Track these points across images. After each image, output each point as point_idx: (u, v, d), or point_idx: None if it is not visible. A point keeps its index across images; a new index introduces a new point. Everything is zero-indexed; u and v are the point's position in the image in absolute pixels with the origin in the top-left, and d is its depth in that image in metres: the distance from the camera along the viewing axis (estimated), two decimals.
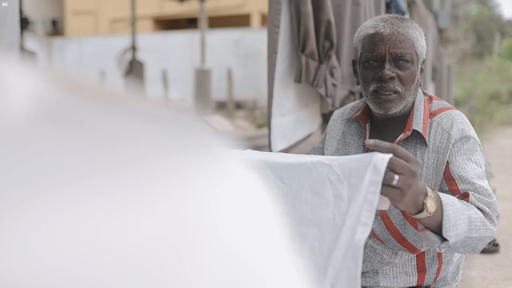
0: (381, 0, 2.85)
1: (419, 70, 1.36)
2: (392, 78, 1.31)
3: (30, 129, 0.22)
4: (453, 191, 1.26)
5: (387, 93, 1.31)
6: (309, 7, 2.02)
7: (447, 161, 1.29)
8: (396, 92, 1.31)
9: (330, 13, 2.12)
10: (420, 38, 1.34)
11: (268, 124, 1.98)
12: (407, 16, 4.45)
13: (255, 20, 17.10)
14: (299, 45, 2.05)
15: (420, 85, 1.38)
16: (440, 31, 10.10)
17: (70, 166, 0.21)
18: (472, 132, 1.33)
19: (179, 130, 0.26)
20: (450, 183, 1.27)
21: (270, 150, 2.00)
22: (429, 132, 1.34)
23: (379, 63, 1.32)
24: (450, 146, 1.29)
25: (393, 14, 1.38)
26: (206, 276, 0.21)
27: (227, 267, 0.22)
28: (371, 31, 1.33)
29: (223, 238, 0.23)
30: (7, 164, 0.20)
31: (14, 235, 0.19)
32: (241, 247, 0.23)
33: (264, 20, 17.61)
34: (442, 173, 1.29)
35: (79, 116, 0.23)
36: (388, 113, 1.33)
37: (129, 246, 0.20)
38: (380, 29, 1.32)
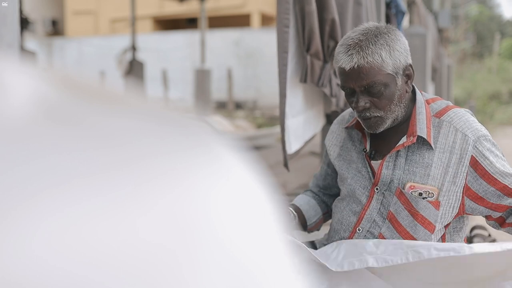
0: (381, 0, 2.85)
1: (402, 79, 1.35)
2: (366, 108, 1.33)
3: (30, 129, 0.22)
4: (500, 188, 1.32)
5: (368, 120, 1.34)
6: (313, 7, 2.01)
7: (475, 162, 1.31)
8: (376, 117, 1.34)
9: (334, 12, 2.11)
10: (388, 57, 1.30)
11: (282, 125, 1.96)
12: (407, 16, 4.44)
13: (255, 20, 17.09)
14: (304, 44, 2.05)
15: (407, 92, 1.37)
16: (440, 31, 10.10)
17: (69, 166, 0.21)
18: (484, 129, 1.37)
19: (178, 130, 0.26)
20: (494, 183, 1.32)
21: (285, 151, 1.99)
22: (439, 132, 1.35)
23: (352, 94, 1.34)
24: (469, 147, 1.31)
25: (361, 31, 1.33)
26: (204, 278, 0.21)
27: (224, 268, 0.22)
28: (337, 65, 1.34)
29: (221, 238, 0.23)
30: (7, 164, 0.20)
31: (14, 235, 0.19)
32: (239, 248, 0.23)
33: (264, 20, 17.61)
34: (463, 174, 1.32)
35: (79, 116, 0.23)
36: (377, 132, 1.37)
37: (126, 246, 0.20)
38: (342, 64, 1.31)
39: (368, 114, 1.33)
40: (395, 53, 1.32)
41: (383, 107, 1.33)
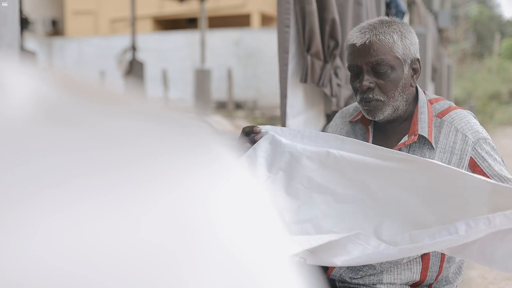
0: (381, 0, 2.85)
1: (409, 71, 1.36)
2: (370, 88, 1.33)
3: (30, 129, 0.22)
4: None
5: (369, 102, 1.35)
6: (313, 6, 2.01)
7: (474, 163, 1.32)
8: (378, 100, 1.34)
9: (335, 12, 2.12)
10: (400, 41, 1.33)
11: (283, 125, 1.97)
12: (407, 16, 4.45)
13: (255, 20, 17.09)
14: (304, 45, 2.05)
15: (411, 86, 1.38)
16: (440, 31, 10.10)
17: (69, 166, 0.21)
18: (485, 132, 1.37)
19: (179, 130, 0.26)
20: None
21: None
22: (439, 132, 1.36)
23: (359, 74, 1.35)
24: (469, 148, 1.32)
25: (377, 19, 1.38)
26: (204, 277, 0.21)
27: (224, 268, 0.22)
28: (349, 42, 1.36)
29: (221, 238, 0.23)
30: (7, 164, 0.20)
31: (14, 235, 0.19)
32: (239, 247, 0.23)
33: (264, 20, 17.61)
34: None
35: (79, 116, 0.23)
36: (376, 119, 1.37)
37: (126, 246, 0.20)
38: (354, 40, 1.33)
39: (371, 96, 1.33)
40: (406, 41, 1.34)
41: (387, 91, 1.33)
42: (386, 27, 1.33)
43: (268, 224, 0.26)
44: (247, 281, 0.23)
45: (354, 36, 1.34)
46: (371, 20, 1.37)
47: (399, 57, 1.33)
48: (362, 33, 1.33)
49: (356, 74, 1.36)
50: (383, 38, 1.31)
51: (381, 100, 1.33)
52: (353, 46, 1.34)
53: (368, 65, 1.32)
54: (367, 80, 1.32)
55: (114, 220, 0.20)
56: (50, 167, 0.21)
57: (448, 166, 1.20)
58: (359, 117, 1.46)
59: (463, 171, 1.20)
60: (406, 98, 1.37)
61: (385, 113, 1.35)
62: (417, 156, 1.25)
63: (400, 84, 1.34)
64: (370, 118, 1.38)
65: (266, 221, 0.26)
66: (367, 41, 1.31)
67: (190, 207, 0.22)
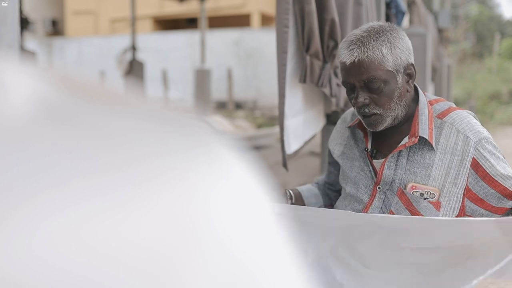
0: (381, 0, 2.85)
1: (403, 78, 1.35)
2: (365, 104, 1.33)
3: (30, 129, 0.22)
4: (501, 191, 1.33)
5: (368, 117, 1.35)
6: (313, 7, 2.01)
7: (476, 164, 1.32)
8: (375, 114, 1.34)
9: (334, 12, 2.12)
10: (389, 53, 1.31)
11: (281, 125, 1.96)
12: (407, 16, 4.44)
13: (255, 20, 17.09)
14: (303, 45, 2.05)
15: (408, 91, 1.37)
16: (440, 31, 10.10)
17: (69, 166, 0.21)
18: (486, 132, 1.37)
19: (178, 130, 0.26)
20: (494, 185, 1.32)
21: (284, 151, 1.99)
22: (440, 133, 1.36)
23: (353, 89, 1.35)
24: (471, 149, 1.32)
25: (365, 29, 1.35)
26: (204, 277, 0.21)
27: (224, 268, 0.22)
28: (339, 59, 1.36)
29: (221, 238, 0.23)
30: (7, 164, 0.20)
31: (14, 235, 0.19)
32: (239, 247, 0.23)
33: (264, 20, 17.61)
34: (464, 175, 1.33)
35: (79, 116, 0.23)
36: (377, 130, 1.38)
37: (127, 246, 0.20)
38: (343, 58, 1.33)
39: (367, 111, 1.34)
40: (396, 50, 1.32)
41: (382, 105, 1.33)
42: (374, 40, 1.30)
43: (268, 224, 0.26)
44: (247, 281, 0.23)
45: (343, 53, 1.33)
46: (359, 32, 1.34)
47: (391, 69, 1.32)
48: (350, 50, 1.31)
49: (350, 89, 1.36)
50: (371, 54, 1.29)
51: (378, 113, 1.34)
52: (343, 64, 1.34)
53: (360, 83, 1.32)
54: (362, 97, 1.33)
55: (114, 220, 0.20)
56: (50, 167, 0.21)
57: (450, 219, 1.30)
58: (356, 122, 1.47)
59: (464, 218, 1.30)
60: (404, 104, 1.36)
61: (385, 124, 1.36)
62: (417, 217, 1.31)
63: (395, 95, 1.34)
64: (371, 130, 1.39)
65: (266, 221, 0.26)
66: (356, 59, 1.30)
67: (190, 207, 0.22)
